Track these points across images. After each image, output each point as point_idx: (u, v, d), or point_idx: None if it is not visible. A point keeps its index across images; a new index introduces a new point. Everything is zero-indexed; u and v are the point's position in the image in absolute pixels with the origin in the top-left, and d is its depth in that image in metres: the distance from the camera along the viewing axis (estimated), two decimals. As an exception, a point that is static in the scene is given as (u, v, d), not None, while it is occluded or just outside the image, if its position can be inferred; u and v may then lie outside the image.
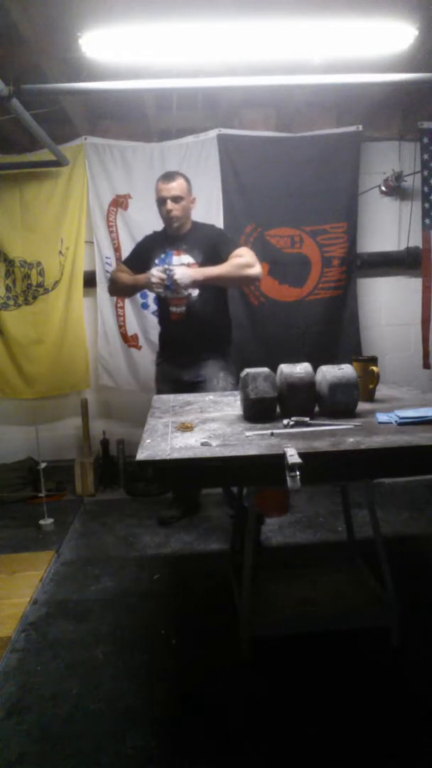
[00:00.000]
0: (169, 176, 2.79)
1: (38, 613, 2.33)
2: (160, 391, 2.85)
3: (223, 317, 2.99)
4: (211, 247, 2.79)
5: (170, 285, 2.63)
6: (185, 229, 2.86)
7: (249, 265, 2.72)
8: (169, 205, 2.74)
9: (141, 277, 2.76)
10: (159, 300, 2.98)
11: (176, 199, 2.74)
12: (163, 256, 2.87)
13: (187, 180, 2.82)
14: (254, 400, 1.82)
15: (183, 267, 2.69)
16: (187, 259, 2.82)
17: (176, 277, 2.61)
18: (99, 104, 3.43)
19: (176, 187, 2.74)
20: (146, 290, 3.01)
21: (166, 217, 2.79)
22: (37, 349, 3.74)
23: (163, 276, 2.63)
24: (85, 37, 2.13)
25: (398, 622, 1.98)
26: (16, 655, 2.07)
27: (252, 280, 2.89)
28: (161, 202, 2.78)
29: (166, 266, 2.70)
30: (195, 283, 2.68)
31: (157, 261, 2.86)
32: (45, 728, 1.71)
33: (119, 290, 3.03)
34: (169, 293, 2.71)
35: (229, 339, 3.03)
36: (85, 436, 3.77)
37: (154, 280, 2.64)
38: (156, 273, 2.65)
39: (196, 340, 2.87)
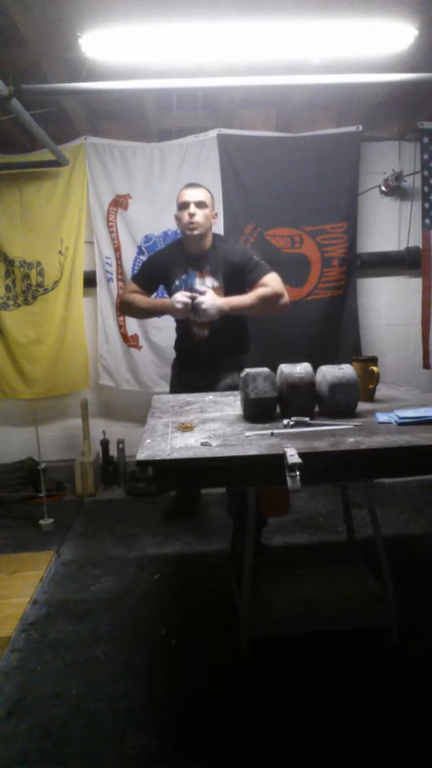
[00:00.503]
0: (193, 185, 2.70)
1: (38, 613, 2.33)
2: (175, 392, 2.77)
3: (244, 331, 2.87)
4: (236, 269, 2.63)
5: (195, 310, 2.53)
6: (206, 246, 2.68)
7: (278, 296, 2.60)
8: (192, 209, 2.58)
9: (161, 302, 2.67)
10: (178, 321, 2.80)
11: (200, 205, 2.60)
12: (184, 277, 2.70)
13: (212, 195, 2.74)
14: (254, 400, 1.83)
15: (210, 294, 2.54)
16: (210, 282, 2.66)
17: (204, 306, 2.49)
18: (99, 104, 3.43)
19: (200, 193, 2.63)
20: (166, 314, 2.79)
21: (188, 222, 2.59)
22: (36, 349, 3.74)
23: (188, 302, 2.51)
24: (85, 37, 2.13)
25: (398, 622, 1.98)
26: (16, 655, 2.07)
27: (281, 311, 2.68)
28: (183, 206, 2.61)
29: (192, 292, 2.55)
30: (221, 314, 2.54)
31: (177, 282, 2.71)
32: (45, 728, 1.71)
33: (134, 313, 2.87)
34: (192, 316, 2.59)
35: (247, 349, 2.91)
36: (85, 436, 3.77)
37: (179, 306, 2.51)
38: (181, 299, 2.51)
39: (219, 358, 2.75)
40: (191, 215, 2.59)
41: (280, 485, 1.43)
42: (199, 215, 2.59)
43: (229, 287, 2.64)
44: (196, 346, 2.78)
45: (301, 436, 1.64)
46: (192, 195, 2.62)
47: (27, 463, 3.80)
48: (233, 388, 2.67)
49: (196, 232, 2.61)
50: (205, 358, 2.77)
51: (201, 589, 2.45)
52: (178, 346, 2.95)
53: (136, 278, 2.87)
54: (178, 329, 2.89)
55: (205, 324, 2.67)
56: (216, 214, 2.80)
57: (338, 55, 2.40)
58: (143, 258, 3.50)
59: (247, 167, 3.55)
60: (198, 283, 2.66)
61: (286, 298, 2.64)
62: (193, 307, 2.52)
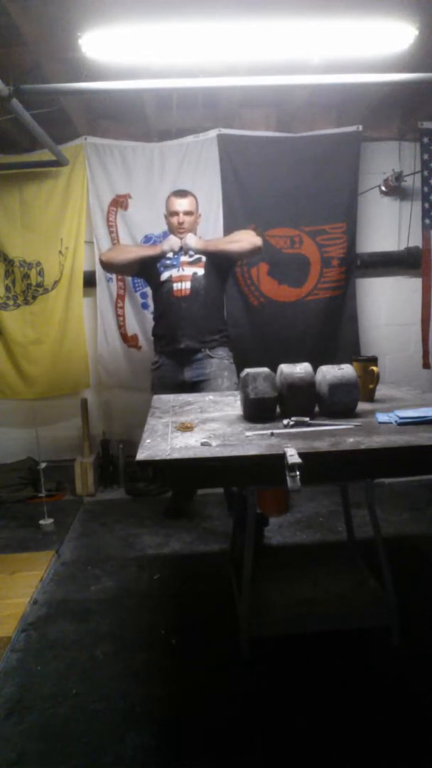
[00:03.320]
0: (181, 193, 3.01)
1: (38, 613, 2.33)
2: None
3: (222, 305, 3.12)
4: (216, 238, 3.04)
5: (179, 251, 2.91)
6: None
7: (249, 235, 2.99)
8: (181, 217, 2.95)
9: (150, 246, 2.96)
10: (159, 289, 2.98)
11: (187, 213, 2.97)
12: (171, 255, 2.97)
13: (197, 199, 3.05)
14: (254, 400, 1.82)
15: (193, 237, 2.95)
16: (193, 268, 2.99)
17: (186, 240, 2.90)
18: (99, 104, 3.43)
19: (188, 203, 2.97)
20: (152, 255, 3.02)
21: (177, 226, 2.96)
22: (36, 350, 3.74)
23: (178, 239, 2.92)
24: (85, 37, 2.13)
25: (398, 622, 1.98)
26: (16, 655, 2.07)
27: (254, 245, 2.96)
28: (173, 214, 2.97)
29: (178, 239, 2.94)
30: (200, 249, 2.90)
31: (166, 259, 2.99)
32: (45, 728, 1.71)
33: (123, 256, 3.02)
34: (179, 255, 2.92)
35: (226, 328, 3.10)
36: (85, 436, 3.77)
37: (166, 246, 2.90)
38: (169, 237, 2.96)
39: (199, 320, 2.91)
40: (180, 223, 2.96)
41: (280, 485, 1.43)
42: (187, 222, 2.97)
43: (210, 268, 2.95)
44: (178, 304, 2.92)
45: (301, 436, 1.64)
46: (181, 205, 2.96)
47: (27, 463, 3.80)
48: (219, 378, 2.91)
49: (182, 235, 2.97)
50: (185, 318, 2.91)
51: (201, 589, 2.45)
52: (158, 318, 3.07)
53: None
54: (158, 300, 3.03)
55: (187, 277, 2.91)
56: (200, 215, 3.12)
57: (338, 55, 2.40)
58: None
59: (247, 167, 3.55)
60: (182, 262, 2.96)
61: (258, 239, 2.99)
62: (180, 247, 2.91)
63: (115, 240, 3.62)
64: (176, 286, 2.91)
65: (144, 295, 3.66)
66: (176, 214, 2.96)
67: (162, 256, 2.92)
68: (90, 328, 3.78)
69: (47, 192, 3.60)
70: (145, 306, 3.69)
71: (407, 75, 2.52)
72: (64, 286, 3.68)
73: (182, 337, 2.91)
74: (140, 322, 3.71)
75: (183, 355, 2.93)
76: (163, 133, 3.59)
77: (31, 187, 3.59)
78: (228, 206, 3.57)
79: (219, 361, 2.94)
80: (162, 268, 2.95)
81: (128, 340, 3.74)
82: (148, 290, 3.65)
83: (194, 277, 2.91)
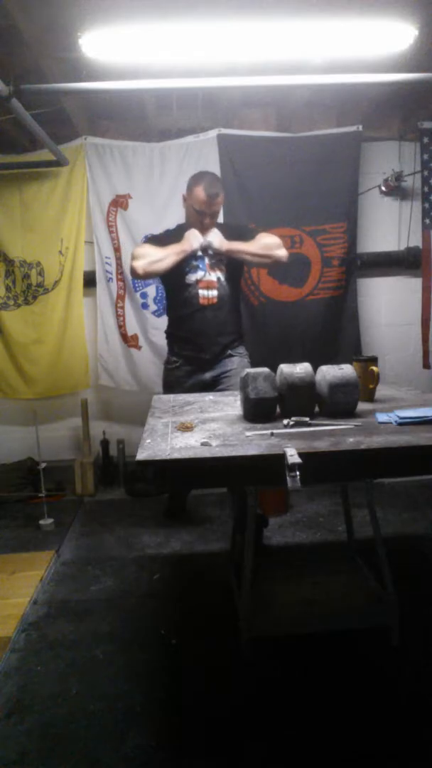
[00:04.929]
0: (213, 190, 2.69)
1: (38, 613, 2.34)
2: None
3: (239, 311, 2.99)
4: (237, 237, 2.76)
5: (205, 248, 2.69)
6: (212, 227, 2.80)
7: (276, 245, 2.75)
8: (208, 220, 2.71)
9: (175, 245, 2.67)
10: (181, 292, 2.78)
11: (216, 214, 2.76)
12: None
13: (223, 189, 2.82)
14: (254, 400, 1.82)
15: (216, 231, 2.71)
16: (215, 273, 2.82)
17: (210, 238, 2.66)
18: (99, 104, 3.43)
19: (220, 203, 2.75)
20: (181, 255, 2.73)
21: (199, 226, 2.72)
22: (37, 349, 3.74)
23: (198, 236, 2.67)
24: (85, 37, 2.13)
25: (398, 622, 1.98)
26: (16, 655, 2.07)
27: (279, 261, 2.78)
28: (200, 214, 2.70)
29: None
30: (227, 250, 2.68)
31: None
32: (45, 728, 1.71)
33: (160, 266, 2.67)
34: (203, 253, 2.72)
35: (243, 334, 3.01)
36: (85, 436, 3.77)
37: (193, 238, 2.64)
38: (191, 230, 2.68)
39: (226, 326, 2.81)
40: (206, 225, 2.72)
41: (280, 485, 1.43)
42: (211, 224, 2.73)
43: (231, 271, 2.79)
44: (204, 312, 2.77)
45: (301, 436, 1.64)
46: (211, 206, 2.69)
47: (27, 463, 3.80)
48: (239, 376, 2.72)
49: (204, 231, 2.73)
50: (212, 324, 2.77)
51: (201, 589, 2.45)
52: (180, 322, 2.86)
53: (148, 241, 2.90)
54: (180, 303, 2.81)
55: (213, 284, 2.76)
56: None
57: (338, 55, 2.40)
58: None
59: (247, 167, 3.55)
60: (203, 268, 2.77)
61: (284, 251, 2.76)
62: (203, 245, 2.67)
63: (115, 240, 3.62)
64: (203, 293, 2.75)
65: (144, 295, 3.66)
66: (204, 215, 2.70)
67: (192, 255, 2.70)
68: (90, 328, 3.78)
69: (47, 192, 3.60)
70: (145, 306, 3.69)
71: (407, 75, 2.51)
72: (65, 286, 3.68)
73: (207, 345, 2.79)
74: (140, 322, 3.71)
75: (206, 362, 2.83)
76: (163, 133, 3.59)
77: (31, 187, 3.59)
78: (228, 206, 3.55)
79: (240, 359, 2.84)
80: (188, 269, 2.74)
81: (128, 340, 3.74)
82: (149, 290, 3.65)
83: (219, 284, 2.77)
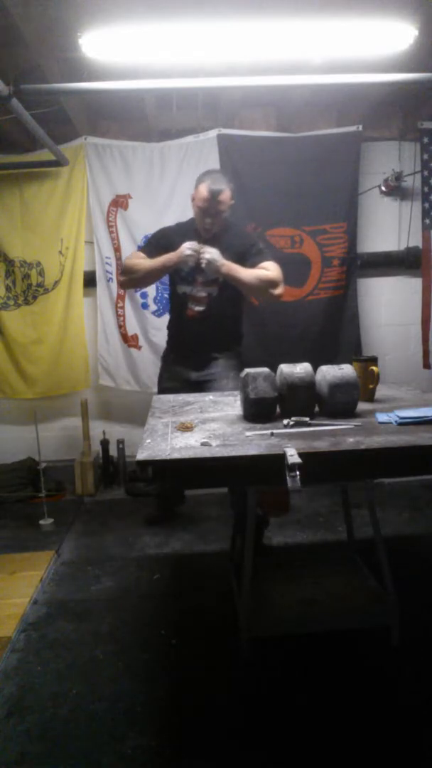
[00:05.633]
0: (216, 186, 2.57)
1: (38, 613, 2.34)
2: (163, 390, 2.77)
3: (238, 321, 2.88)
4: (240, 254, 2.63)
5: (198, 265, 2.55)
6: (218, 228, 2.67)
7: (275, 282, 2.58)
8: (208, 220, 2.61)
9: (164, 256, 2.57)
10: (174, 297, 2.79)
11: (220, 213, 2.62)
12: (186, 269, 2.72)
13: (231, 188, 2.66)
14: (254, 400, 1.82)
15: (216, 251, 2.52)
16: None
17: (208, 256, 2.49)
18: (99, 104, 3.43)
19: (225, 201, 2.60)
20: (169, 269, 2.68)
21: (204, 226, 2.64)
22: (37, 349, 3.75)
23: (197, 249, 2.50)
24: (85, 37, 2.13)
25: (398, 622, 1.98)
26: (16, 655, 2.07)
27: (273, 299, 2.65)
28: (202, 212, 2.60)
29: (200, 245, 2.54)
30: (220, 273, 2.54)
31: None
32: (45, 728, 1.71)
33: (138, 278, 2.69)
34: (194, 272, 2.61)
35: (240, 342, 2.91)
36: (85, 436, 3.77)
37: (188, 252, 2.50)
38: (190, 245, 2.51)
39: (211, 340, 2.75)
40: (211, 224, 2.62)
41: (280, 485, 1.43)
42: (218, 223, 2.63)
43: (227, 284, 2.65)
44: (190, 324, 2.75)
45: (301, 436, 1.64)
46: (217, 204, 2.58)
47: (27, 463, 3.80)
48: (224, 379, 2.71)
49: (208, 234, 2.66)
50: (197, 337, 2.75)
51: (201, 589, 2.45)
52: (172, 325, 2.90)
53: (144, 247, 2.82)
54: (173, 307, 2.86)
55: (204, 299, 2.69)
56: (232, 203, 2.71)
57: (338, 55, 2.40)
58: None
59: (247, 167, 3.55)
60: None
61: (281, 289, 2.62)
62: (198, 262, 2.52)
63: (115, 240, 3.62)
64: (191, 306, 2.71)
65: (144, 295, 3.66)
66: (208, 214, 2.59)
67: (185, 266, 2.62)
68: (90, 328, 3.78)
69: (47, 192, 3.60)
70: (145, 306, 3.69)
71: (407, 75, 2.51)
72: (65, 286, 3.68)
73: (191, 354, 2.79)
74: (140, 322, 3.71)
75: (191, 365, 2.81)
76: (163, 133, 3.59)
77: (31, 187, 3.59)
78: (228, 206, 3.57)
79: (225, 361, 2.79)
80: (178, 279, 2.72)
81: (128, 340, 3.74)
82: (149, 290, 3.65)
83: (210, 299, 2.69)
